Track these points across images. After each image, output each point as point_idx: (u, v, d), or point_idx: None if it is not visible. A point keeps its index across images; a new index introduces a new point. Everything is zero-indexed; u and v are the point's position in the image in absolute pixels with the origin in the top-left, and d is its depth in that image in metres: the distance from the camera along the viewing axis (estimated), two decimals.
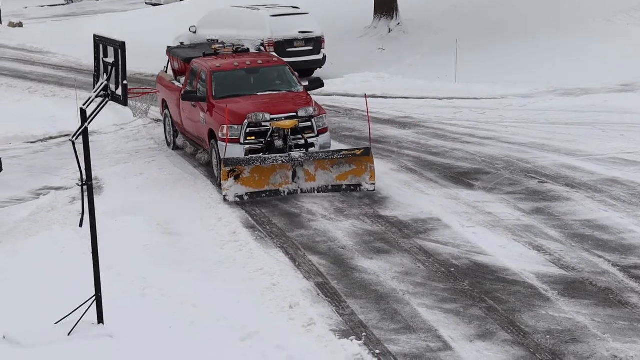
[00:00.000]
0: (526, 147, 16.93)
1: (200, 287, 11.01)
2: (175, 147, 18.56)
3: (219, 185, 15.49)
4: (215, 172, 16.06)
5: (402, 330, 9.81)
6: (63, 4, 54.39)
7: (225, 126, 15.45)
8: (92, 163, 9.57)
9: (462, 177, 15.26)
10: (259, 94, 16.68)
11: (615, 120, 18.80)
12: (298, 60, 26.19)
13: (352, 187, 15.14)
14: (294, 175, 15.17)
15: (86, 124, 9.23)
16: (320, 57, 26.46)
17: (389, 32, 30.99)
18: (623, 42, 26.39)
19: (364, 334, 9.74)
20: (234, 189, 14.91)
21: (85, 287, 9.87)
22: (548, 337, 9.51)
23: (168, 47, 21.02)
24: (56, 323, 9.64)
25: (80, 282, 10.43)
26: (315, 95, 22.99)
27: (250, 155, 15.22)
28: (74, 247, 12.16)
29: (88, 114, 9.27)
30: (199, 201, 14.61)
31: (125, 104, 9.45)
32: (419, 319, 10.05)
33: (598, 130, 18.07)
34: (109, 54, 9.42)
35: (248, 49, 18.89)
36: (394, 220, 13.33)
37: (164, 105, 18.93)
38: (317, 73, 26.42)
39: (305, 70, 26.95)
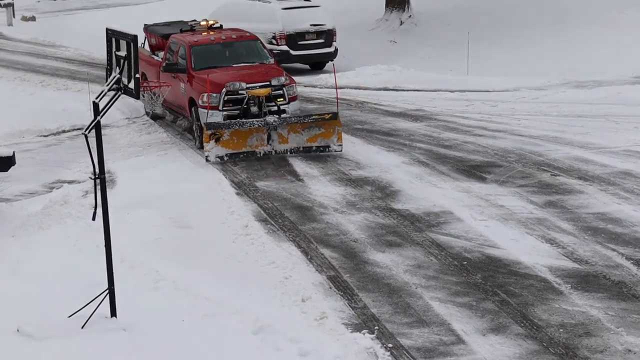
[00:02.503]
0: (539, 140, 16.88)
1: (213, 281, 11.02)
2: (154, 117, 20.63)
3: (199, 148, 17.64)
4: (194, 135, 18.17)
5: (414, 324, 9.80)
6: None
7: (206, 94, 17.28)
8: (105, 156, 9.58)
9: (474, 170, 15.24)
10: (234, 65, 18.65)
11: (629, 113, 18.74)
12: (309, 53, 26.21)
13: (322, 148, 17.04)
14: (269, 138, 16.94)
15: (99, 118, 9.23)
16: (331, 50, 26.43)
17: (401, 24, 30.93)
18: (636, 34, 26.27)
19: (376, 327, 9.73)
20: (214, 150, 16.67)
21: (98, 280, 9.88)
22: (561, 330, 9.49)
23: (145, 24, 22.60)
24: (69, 316, 9.66)
25: (93, 275, 10.45)
26: (327, 88, 23.10)
27: (229, 120, 17.04)
28: (86, 240, 12.18)
29: (100, 107, 9.27)
30: (211, 194, 14.62)
31: (137, 97, 9.45)
32: (431, 313, 10.04)
33: (611, 123, 18.01)
34: (121, 48, 9.42)
35: (221, 26, 20.58)
36: (406, 214, 13.31)
37: (143, 77, 20.10)
38: (329, 66, 26.42)
39: (317, 64, 26.99)
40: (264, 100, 17.36)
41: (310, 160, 16.41)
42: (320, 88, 23.70)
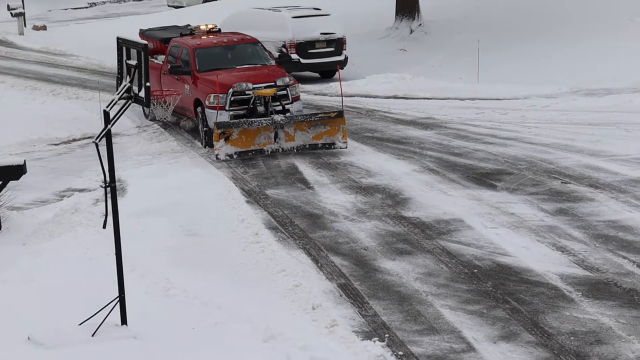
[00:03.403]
0: (549, 148, 16.86)
1: (224, 289, 11.02)
2: (153, 119, 21.08)
3: (204, 147, 18.43)
4: (201, 136, 18.77)
5: (425, 332, 9.79)
6: (86, 7, 54.61)
7: (213, 95, 18.10)
8: (115, 165, 9.61)
9: (484, 178, 15.22)
10: (237, 67, 19.40)
11: None
12: (320, 62, 26.23)
13: (327, 146, 17.65)
14: (276, 136, 17.51)
15: (109, 126, 9.26)
16: (341, 58, 26.45)
17: (411, 33, 30.95)
18: None
19: (386, 335, 9.72)
20: (224, 149, 17.25)
21: (109, 288, 9.90)
22: (572, 338, 9.46)
23: (140, 29, 23.28)
24: (80, 324, 9.68)
25: (103, 283, 10.47)
26: (337, 96, 23.11)
27: (238, 119, 17.63)
28: (97, 248, 12.20)
29: (111, 115, 9.30)
30: (222, 203, 14.63)
31: (148, 105, 9.49)
32: (442, 320, 10.03)
33: (622, 131, 17.97)
34: (132, 56, 9.45)
35: (219, 30, 21.41)
36: (416, 221, 13.30)
37: None
38: None
39: (327, 72, 27.01)
40: (270, 100, 18.07)
41: (320, 168, 16.43)
42: (330, 96, 23.72)
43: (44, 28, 40.89)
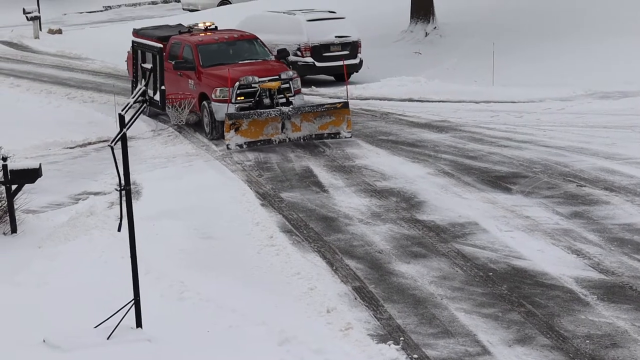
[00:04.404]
0: (564, 151, 16.81)
1: (238, 292, 11.04)
2: (152, 114, 21.59)
3: (209, 139, 19.33)
4: (206, 128, 19.71)
5: (440, 335, 9.78)
6: (101, 11, 54.77)
7: (219, 88, 19.02)
8: (130, 168, 9.63)
9: (499, 181, 15.19)
10: (239, 62, 20.19)
11: None
12: (334, 65, 26.22)
13: (332, 135, 18.53)
14: (283, 126, 18.28)
15: (125, 130, 9.28)
16: (356, 61, 26.43)
17: (426, 36, 30.92)
18: None
19: (401, 338, 9.71)
20: (234, 139, 18.06)
21: (124, 291, 9.92)
22: (588, 342, 9.43)
23: (134, 28, 24.17)
24: (95, 327, 9.71)
25: (118, 286, 10.49)
26: (352, 99, 23.11)
27: (248, 111, 18.35)
28: (112, 251, 12.23)
29: (126, 119, 9.32)
30: (236, 205, 14.65)
31: (163, 109, 9.51)
32: (457, 324, 10.01)
33: (637, 134, 17.90)
34: (147, 60, 9.48)
35: (216, 27, 22.12)
36: (431, 225, 13.29)
37: None
38: (354, 77, 26.42)
39: (342, 75, 26.99)
40: (275, 93, 18.93)
41: (335, 171, 16.43)
42: (345, 99, 23.68)
43: (59, 32, 41.03)
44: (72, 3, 55.75)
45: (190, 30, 21.95)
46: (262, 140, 18.20)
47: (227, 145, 18.03)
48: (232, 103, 18.81)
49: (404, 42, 30.93)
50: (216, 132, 19.30)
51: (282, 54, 21.76)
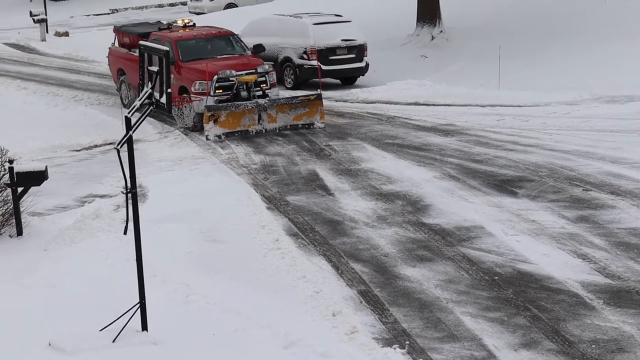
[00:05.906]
0: (570, 155, 16.80)
1: (244, 295, 11.04)
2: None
3: (190, 130, 20.48)
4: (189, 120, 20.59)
5: (445, 339, 9.76)
6: (108, 13, 54.82)
7: (198, 82, 20.12)
8: (137, 171, 9.63)
9: (505, 185, 15.18)
10: (217, 57, 21.22)
11: None
12: (341, 68, 26.25)
13: (306, 126, 19.62)
14: (259, 118, 19.46)
15: (131, 132, 9.28)
16: (362, 64, 26.47)
17: (432, 39, 30.93)
18: None
19: (407, 342, 9.70)
20: (213, 130, 19.11)
21: (130, 294, 9.92)
22: (594, 346, 9.41)
23: (114, 26, 25.87)
24: (101, 330, 9.71)
25: (124, 289, 10.49)
26: (358, 103, 23.14)
27: (226, 103, 19.43)
28: (118, 254, 12.24)
29: (132, 122, 9.33)
30: (242, 209, 14.65)
31: (169, 111, 9.54)
32: (462, 328, 10.00)
33: None
34: (154, 63, 9.48)
35: (194, 24, 23.27)
36: (437, 228, 13.28)
37: (120, 73, 23.67)
38: (360, 81, 26.44)
39: (348, 78, 27.02)
40: (252, 86, 20.09)
41: (341, 174, 16.43)
42: (351, 102, 23.74)
43: (66, 34, 41.09)
44: (79, 6, 55.87)
45: (169, 27, 23.04)
46: (240, 130, 19.27)
47: (207, 136, 19.00)
48: (211, 96, 19.95)
49: (410, 45, 30.95)
50: (195, 124, 20.41)
51: (258, 49, 22.60)
